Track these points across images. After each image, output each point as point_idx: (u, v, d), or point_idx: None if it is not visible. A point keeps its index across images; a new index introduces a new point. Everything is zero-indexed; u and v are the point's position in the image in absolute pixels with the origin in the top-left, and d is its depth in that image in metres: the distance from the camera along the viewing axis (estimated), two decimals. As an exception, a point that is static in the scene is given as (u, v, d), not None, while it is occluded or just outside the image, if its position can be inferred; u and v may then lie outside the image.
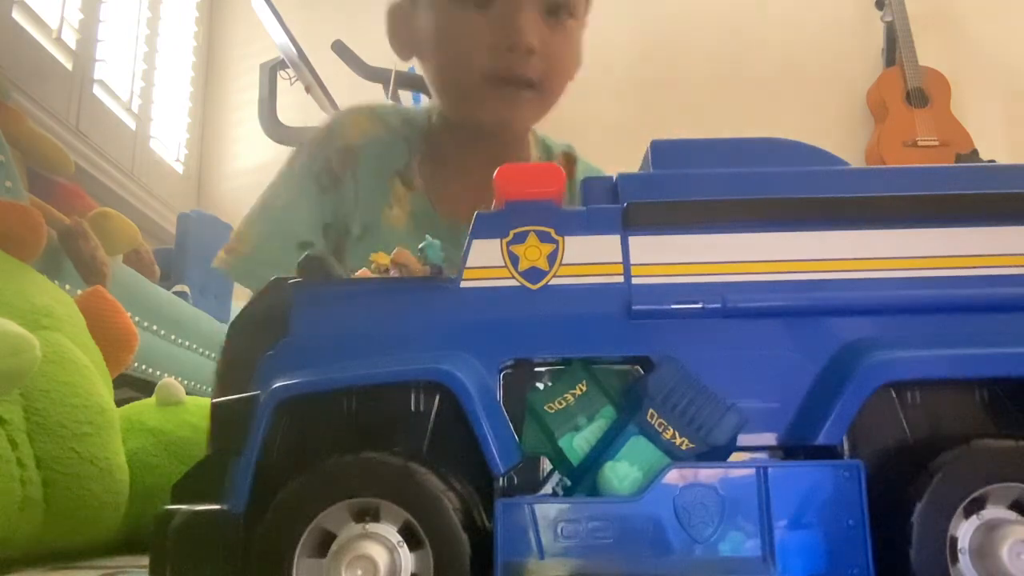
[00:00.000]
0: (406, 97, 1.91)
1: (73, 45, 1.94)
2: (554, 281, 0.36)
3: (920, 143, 2.25)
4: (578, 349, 0.36)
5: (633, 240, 0.37)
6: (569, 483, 0.36)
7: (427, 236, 0.40)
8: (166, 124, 2.52)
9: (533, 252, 0.36)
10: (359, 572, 0.30)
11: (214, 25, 2.80)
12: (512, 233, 0.37)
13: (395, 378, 0.34)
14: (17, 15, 1.72)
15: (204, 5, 2.75)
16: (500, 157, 0.70)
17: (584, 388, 0.36)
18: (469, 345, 0.35)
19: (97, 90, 2.06)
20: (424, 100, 0.70)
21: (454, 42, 0.67)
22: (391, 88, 1.81)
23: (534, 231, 0.37)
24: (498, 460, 0.33)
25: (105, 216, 1.23)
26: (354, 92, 1.99)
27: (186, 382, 1.48)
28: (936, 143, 2.22)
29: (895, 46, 2.38)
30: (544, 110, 0.71)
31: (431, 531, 0.31)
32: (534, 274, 0.36)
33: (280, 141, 2.04)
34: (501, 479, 0.34)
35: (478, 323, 0.36)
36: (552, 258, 0.36)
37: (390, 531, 0.32)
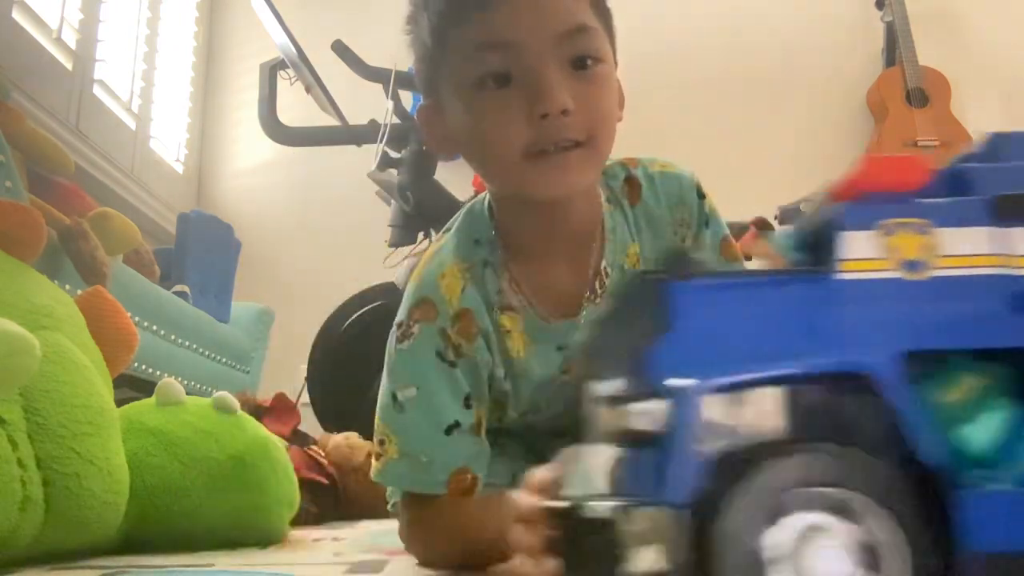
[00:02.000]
0: (406, 97, 1.91)
1: (73, 45, 1.94)
2: (933, 273, 0.36)
3: (920, 143, 2.25)
4: (963, 340, 0.36)
5: (1015, 232, 0.36)
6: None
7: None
8: (166, 124, 2.53)
9: (907, 243, 0.37)
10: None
11: (214, 25, 2.81)
12: (883, 225, 0.37)
13: (829, 370, 0.34)
14: (17, 15, 1.73)
15: (204, 5, 2.76)
16: (572, 222, 0.68)
17: (976, 381, 0.35)
18: (858, 338, 0.35)
19: (97, 90, 2.06)
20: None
21: (488, 128, 0.64)
22: (391, 88, 1.81)
23: (906, 223, 0.37)
24: (930, 450, 0.33)
25: (105, 216, 1.24)
26: (354, 92, 1.99)
27: (186, 382, 1.49)
28: (936, 143, 2.23)
29: (895, 46, 2.38)
30: (598, 164, 0.68)
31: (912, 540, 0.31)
32: (912, 266, 0.36)
33: (280, 141, 2.04)
34: (940, 471, 0.33)
35: (864, 316, 0.36)
36: (928, 250, 0.37)
37: (862, 532, 0.32)
